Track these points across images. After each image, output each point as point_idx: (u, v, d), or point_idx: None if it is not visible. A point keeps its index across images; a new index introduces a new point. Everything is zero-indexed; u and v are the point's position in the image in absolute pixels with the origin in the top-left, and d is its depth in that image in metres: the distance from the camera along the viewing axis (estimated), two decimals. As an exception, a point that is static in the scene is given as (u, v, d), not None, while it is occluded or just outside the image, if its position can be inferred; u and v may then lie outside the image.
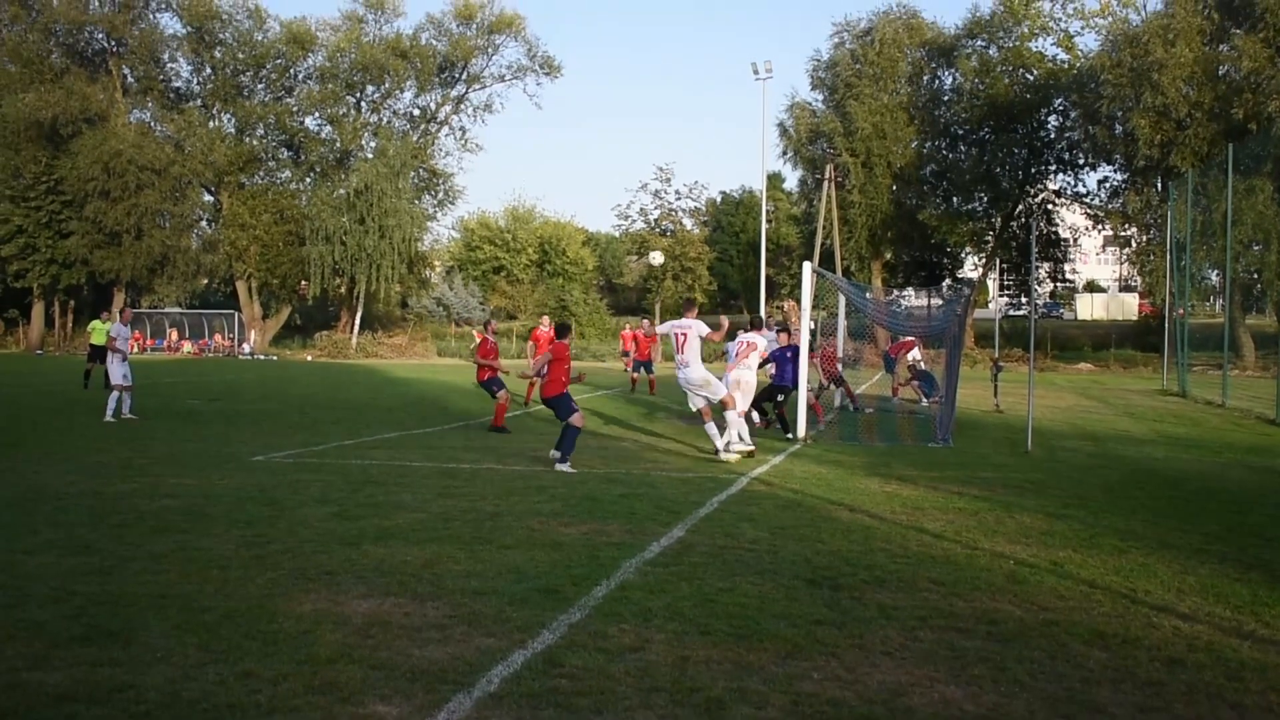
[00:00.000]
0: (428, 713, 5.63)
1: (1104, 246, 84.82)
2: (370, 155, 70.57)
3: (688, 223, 70.53)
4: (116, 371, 21.41)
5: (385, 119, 74.90)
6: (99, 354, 29.56)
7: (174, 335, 71.99)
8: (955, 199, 66.08)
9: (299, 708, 5.69)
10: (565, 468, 14.95)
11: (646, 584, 8.36)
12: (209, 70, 74.03)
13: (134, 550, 9.48)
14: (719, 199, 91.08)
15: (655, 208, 68.53)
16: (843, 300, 27.52)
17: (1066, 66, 62.32)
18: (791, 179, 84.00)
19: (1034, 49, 63.48)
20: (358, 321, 69.93)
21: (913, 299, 63.56)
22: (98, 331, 30.75)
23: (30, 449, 16.83)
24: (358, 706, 5.71)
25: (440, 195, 76.06)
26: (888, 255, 69.91)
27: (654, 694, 5.95)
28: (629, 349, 33.46)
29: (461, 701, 5.80)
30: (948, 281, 69.67)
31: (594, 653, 6.64)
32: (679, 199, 68.47)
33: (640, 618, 7.41)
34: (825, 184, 61.00)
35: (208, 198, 75.95)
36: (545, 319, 23.15)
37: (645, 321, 19.96)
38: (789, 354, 19.96)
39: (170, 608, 7.57)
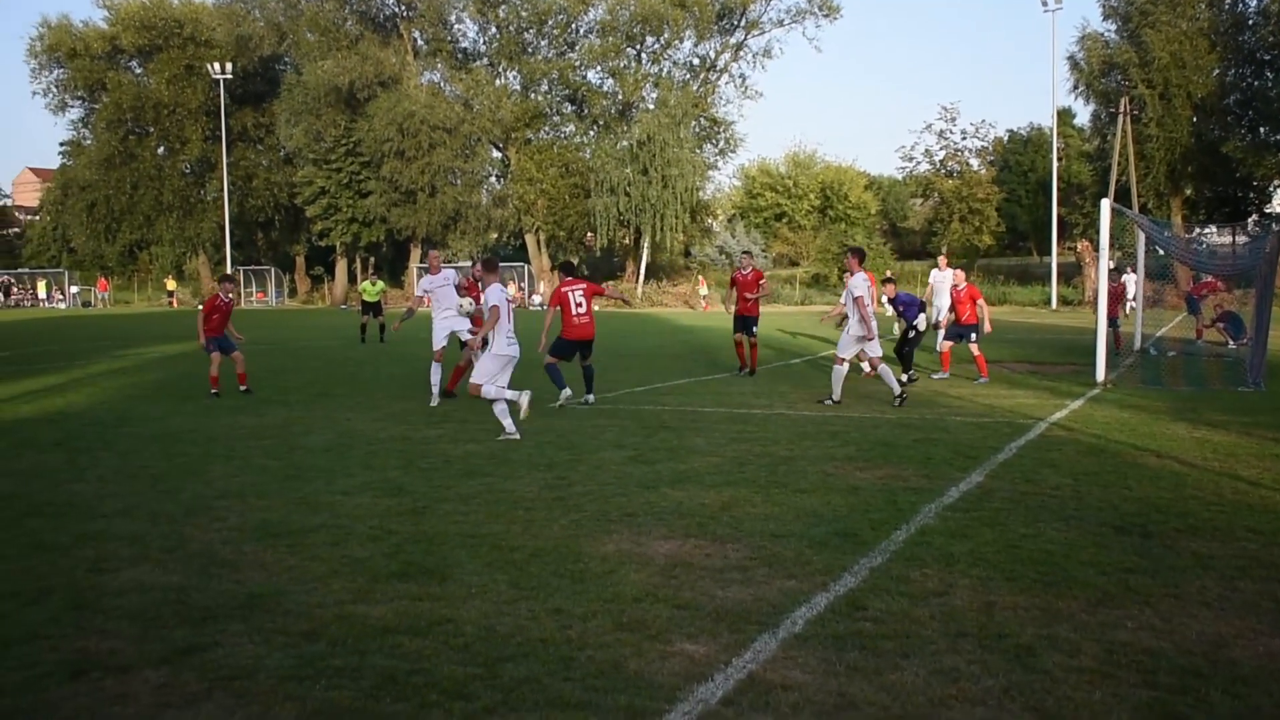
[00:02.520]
0: (734, 652, 5.69)
1: None
2: (651, 106, 71.11)
3: (974, 163, 68.65)
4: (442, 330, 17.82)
5: (665, 69, 75.31)
6: (370, 309, 32.30)
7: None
8: (1262, 129, 62.01)
9: (608, 644, 5.83)
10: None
11: (947, 529, 8.23)
12: (494, 30, 76.04)
13: (444, 492, 9.90)
14: (1006, 138, 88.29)
15: (940, 148, 66.98)
16: (1142, 239, 26.34)
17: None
18: (1083, 114, 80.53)
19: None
20: (642, 271, 70.88)
21: (1215, 237, 60.35)
22: (367, 291, 33.24)
23: (341, 398, 17.75)
24: (665, 644, 5.82)
25: (721, 144, 76.08)
26: (1188, 191, 66.32)
27: (961, 639, 5.86)
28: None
29: (767, 642, 5.84)
30: (1254, 218, 65.71)
31: (897, 596, 6.58)
32: (965, 139, 66.73)
33: (943, 562, 7.31)
34: (1120, 118, 58.38)
35: (496, 154, 78.22)
36: (890, 275, 22.90)
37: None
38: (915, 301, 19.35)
39: (481, 546, 7.87)
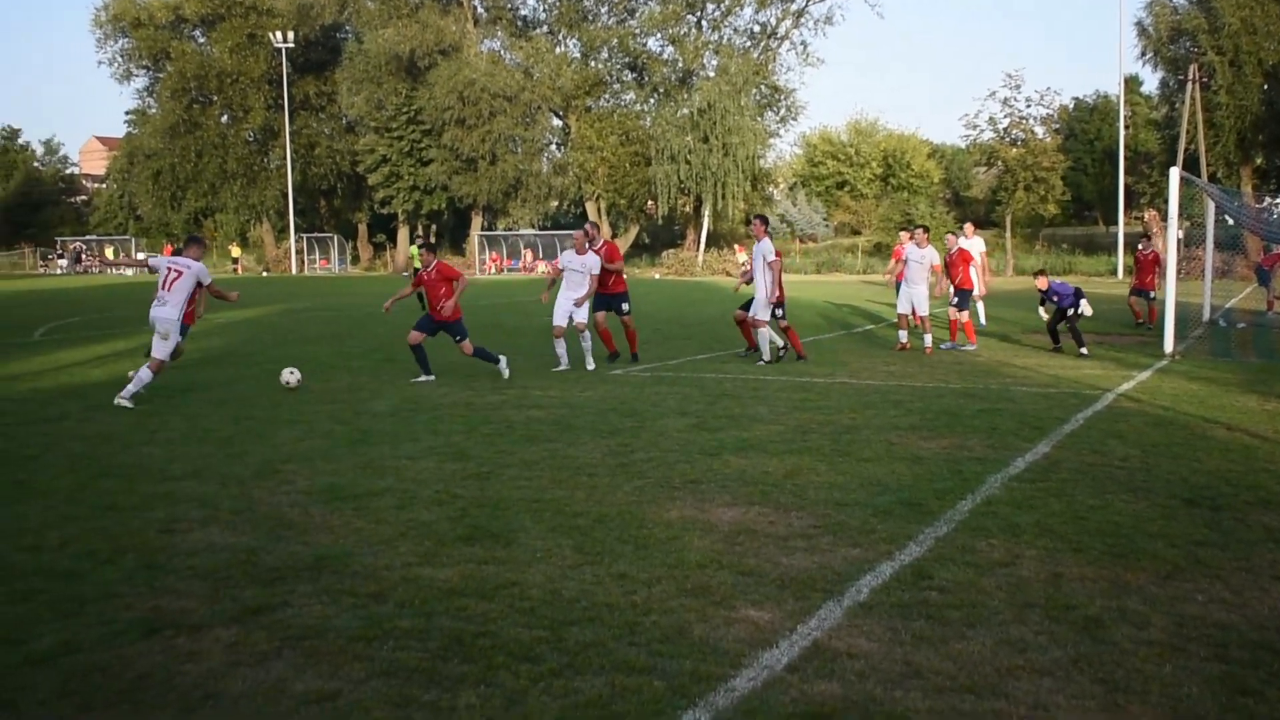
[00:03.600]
0: (799, 619, 5.69)
1: None
2: (712, 74, 70.72)
3: (1039, 131, 67.68)
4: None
5: (726, 37, 74.79)
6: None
7: (529, 256, 74.65)
8: (1336, 97, 60.75)
9: (673, 609, 5.85)
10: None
11: (1013, 499, 8.17)
12: (554, -4, 75.93)
13: (507, 457, 9.96)
14: (1072, 105, 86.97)
15: (1004, 116, 66.01)
16: (1211, 208, 25.92)
17: None
18: (1150, 81, 79.29)
19: None
20: (703, 239, 70.71)
21: (1287, 206, 59.28)
22: (416, 257, 32.62)
23: (404, 363, 17.84)
24: (730, 610, 5.83)
25: (782, 111, 75.55)
26: (1258, 160, 65.03)
27: (1028, 610, 5.82)
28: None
29: (831, 610, 5.83)
30: (1327, 187, 64.44)
31: (963, 566, 6.55)
32: (1029, 106, 65.74)
33: (1009, 533, 7.26)
34: (1189, 85, 57.33)
35: (556, 122, 78.19)
36: (904, 234, 22.68)
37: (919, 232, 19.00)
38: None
39: (545, 511, 7.92)
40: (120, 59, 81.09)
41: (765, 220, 17.95)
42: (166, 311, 13.73)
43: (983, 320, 24.32)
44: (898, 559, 6.70)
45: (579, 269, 16.66)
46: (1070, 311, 18.84)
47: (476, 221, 76.23)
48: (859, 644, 5.35)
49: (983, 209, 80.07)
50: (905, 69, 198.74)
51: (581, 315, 16.69)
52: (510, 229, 77.51)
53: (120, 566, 6.72)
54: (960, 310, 20.06)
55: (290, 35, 72.44)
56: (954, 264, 20.24)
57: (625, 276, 18.26)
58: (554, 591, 6.16)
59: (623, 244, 76.21)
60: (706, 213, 69.59)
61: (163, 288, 13.88)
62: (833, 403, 13.18)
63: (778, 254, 17.38)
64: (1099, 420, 11.88)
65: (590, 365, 16.88)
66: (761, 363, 17.19)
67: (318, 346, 18.62)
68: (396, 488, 8.75)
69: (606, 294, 17.40)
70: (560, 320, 16.89)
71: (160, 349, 13.75)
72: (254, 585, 6.33)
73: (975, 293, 22.51)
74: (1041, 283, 19.47)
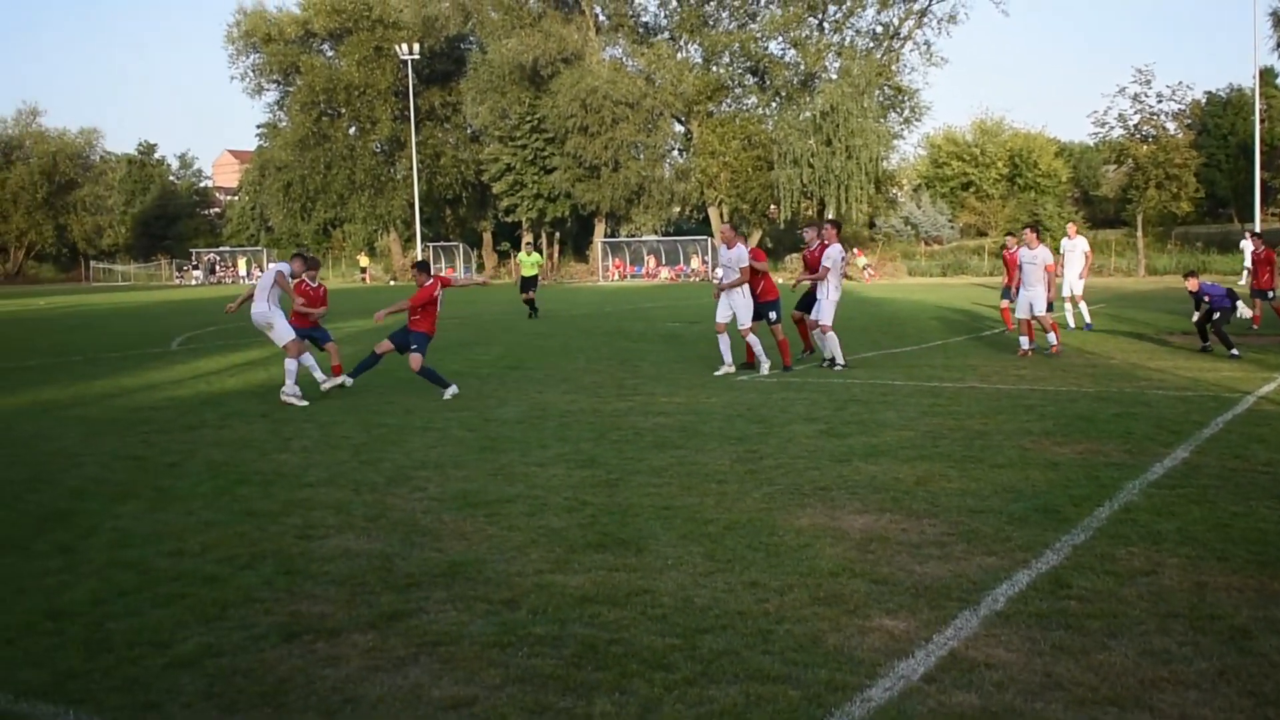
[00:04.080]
0: (934, 628, 5.61)
1: None
2: (834, 76, 70.25)
3: (1171, 126, 66.05)
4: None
5: (848, 38, 74.27)
6: (529, 284, 32.07)
7: (652, 262, 74.84)
8: None
9: (806, 618, 5.81)
10: None
11: (1152, 506, 7.98)
12: (675, 2, 76.08)
13: (636, 464, 9.99)
14: (1204, 100, 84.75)
15: (1134, 112, 64.53)
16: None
17: None
18: (1288, 73, 77.14)
19: None
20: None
21: None
22: (525, 264, 33.01)
23: (531, 370, 18.04)
24: (864, 619, 5.77)
25: (906, 112, 74.72)
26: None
27: (1171, 620, 5.68)
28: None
29: (968, 619, 5.74)
30: None
31: (1103, 575, 6.41)
32: (1160, 102, 64.19)
33: (1149, 541, 7.09)
34: (1329, 77, 55.57)
35: (678, 128, 78.25)
36: (1011, 239, 22.41)
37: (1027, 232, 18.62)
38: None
39: (675, 518, 7.92)
40: (252, 74, 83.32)
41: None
42: (257, 308, 15.05)
43: (1087, 320, 23.88)
44: (1035, 567, 6.58)
45: (726, 263, 16.88)
46: (1216, 315, 18.33)
47: (599, 228, 76.67)
48: (997, 654, 5.26)
49: (1112, 208, 78.46)
50: (1031, 66, 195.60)
51: (745, 318, 16.91)
52: (633, 235, 77.77)
53: (259, 572, 6.87)
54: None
55: (415, 47, 73.44)
56: (1010, 266, 20.33)
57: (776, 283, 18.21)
58: (686, 599, 6.16)
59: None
60: (830, 216, 69.06)
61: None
62: (963, 408, 13.00)
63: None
64: (1239, 424, 11.54)
65: (764, 369, 17.04)
66: (838, 367, 17.30)
67: (444, 355, 18.84)
68: (527, 494, 8.82)
69: (756, 302, 17.29)
70: (721, 317, 17.12)
71: (279, 338, 15.14)
72: (389, 591, 6.43)
73: (1069, 293, 22.43)
74: (1192, 284, 18.95)
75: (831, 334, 17.41)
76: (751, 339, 16.93)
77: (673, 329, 27.04)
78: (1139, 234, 63.27)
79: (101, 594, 6.49)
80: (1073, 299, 23.93)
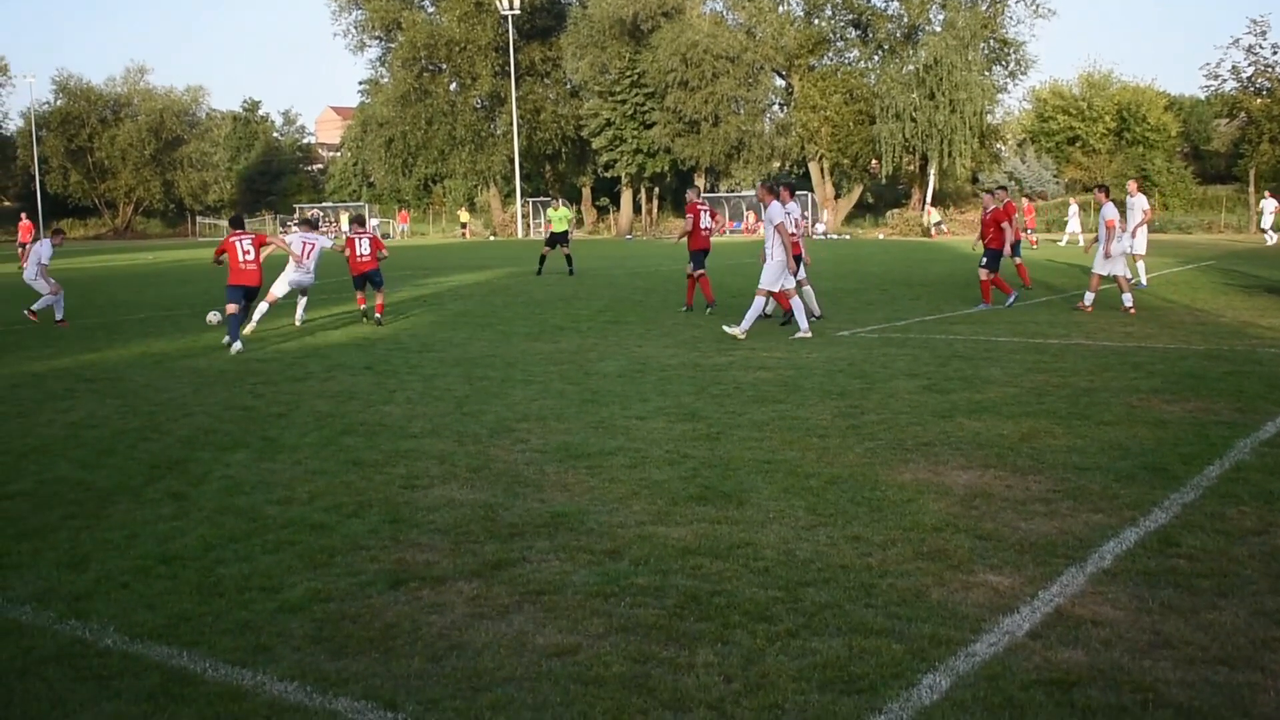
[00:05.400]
0: (1040, 585, 5.56)
1: None
2: (938, 28, 69.14)
3: (1287, 80, 64.17)
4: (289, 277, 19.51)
5: (954, -11, 73.10)
6: (558, 239, 31.90)
7: (751, 218, 74.46)
8: None
9: (909, 572, 5.78)
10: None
11: (1265, 465, 7.81)
12: (777, -45, 75.26)
13: (737, 418, 9.98)
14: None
15: (1249, 65, 62.78)
16: None
17: None
18: None
19: None
20: (929, 198, 69.38)
21: None
22: (555, 219, 32.75)
23: (631, 325, 18.07)
24: (968, 574, 5.73)
25: (1011, 65, 73.31)
26: None
27: (1285, 580, 5.57)
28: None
29: (1074, 575, 5.68)
30: None
31: (1213, 534, 6.29)
32: (1276, 53, 62.32)
33: (1261, 500, 6.95)
34: None
35: (779, 82, 77.60)
36: (988, 197, 22.00)
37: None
38: None
39: (776, 472, 7.91)
40: (354, 30, 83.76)
41: (772, 188, 16.77)
42: (311, 278, 18.95)
43: (1143, 281, 23.39)
44: (1143, 525, 6.48)
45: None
46: None
47: (699, 183, 76.40)
48: (1104, 611, 5.20)
49: (1224, 163, 76.49)
50: (1142, 18, 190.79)
51: (770, 280, 16.25)
52: (732, 190, 77.39)
53: (366, 520, 6.98)
54: (990, 272, 19.88)
55: (516, 2, 73.51)
56: (986, 223, 20.09)
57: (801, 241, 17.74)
58: (788, 552, 6.15)
59: (846, 204, 75.43)
60: (933, 171, 68.19)
61: (305, 258, 18.78)
62: (1068, 364, 12.80)
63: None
64: (1358, 383, 11.25)
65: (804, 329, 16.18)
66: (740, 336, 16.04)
67: (546, 309, 19.00)
68: (628, 447, 8.86)
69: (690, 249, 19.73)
70: (786, 284, 16.56)
71: (280, 291, 18.78)
72: (493, 541, 6.50)
73: (1120, 248, 22.02)
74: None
75: (759, 299, 16.31)
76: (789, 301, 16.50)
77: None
78: (1251, 189, 61.63)
79: (212, 540, 6.64)
80: (1132, 256, 23.49)
